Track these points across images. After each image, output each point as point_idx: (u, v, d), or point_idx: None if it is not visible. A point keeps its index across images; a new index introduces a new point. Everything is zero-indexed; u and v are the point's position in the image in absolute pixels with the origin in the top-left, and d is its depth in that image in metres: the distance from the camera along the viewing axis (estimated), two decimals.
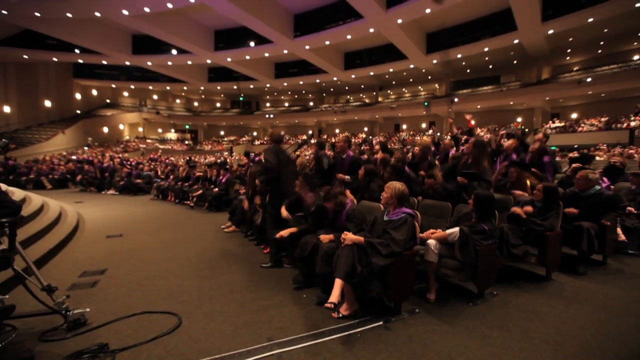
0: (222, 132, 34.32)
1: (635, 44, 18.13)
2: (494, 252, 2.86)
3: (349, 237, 2.56)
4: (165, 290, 3.03)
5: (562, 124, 19.38)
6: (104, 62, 23.46)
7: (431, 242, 2.78)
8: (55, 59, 22.58)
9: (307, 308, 2.66)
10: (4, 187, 3.58)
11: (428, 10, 15.00)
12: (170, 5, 15.81)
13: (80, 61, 23.34)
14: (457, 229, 2.76)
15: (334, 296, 2.33)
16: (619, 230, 3.91)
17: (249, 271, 3.56)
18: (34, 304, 2.26)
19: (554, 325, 2.39)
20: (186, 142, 31.57)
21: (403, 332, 2.31)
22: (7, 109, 22.08)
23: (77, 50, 20.98)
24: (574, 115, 20.37)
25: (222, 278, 3.35)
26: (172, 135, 32.30)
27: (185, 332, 2.30)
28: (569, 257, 3.54)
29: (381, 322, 2.42)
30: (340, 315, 2.48)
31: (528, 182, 3.84)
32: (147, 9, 16.09)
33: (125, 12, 16.17)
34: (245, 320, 2.46)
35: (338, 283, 2.39)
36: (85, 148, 21.96)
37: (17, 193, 5.81)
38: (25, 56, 21.18)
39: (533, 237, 3.14)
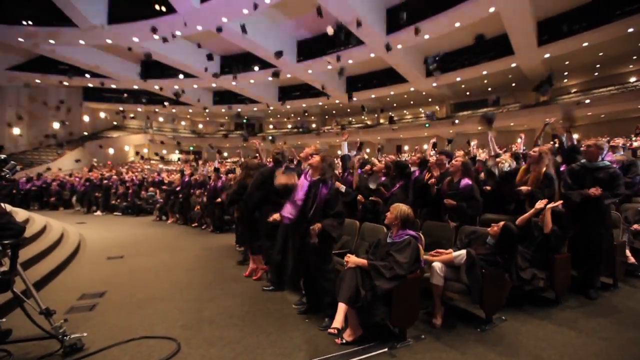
0: (225, 154, 34.76)
1: (631, 66, 18.51)
2: (502, 276, 2.80)
3: (352, 259, 2.52)
4: (165, 314, 2.96)
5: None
6: (113, 86, 24.19)
7: (437, 264, 2.73)
8: (66, 83, 23.35)
9: (309, 333, 2.58)
10: (8, 207, 3.61)
11: (427, 37, 15.52)
12: (179, 33, 16.50)
13: (90, 85, 24.10)
14: (464, 251, 2.71)
15: (338, 321, 2.27)
16: (627, 253, 3.83)
17: (250, 295, 3.48)
18: (31, 328, 2.21)
19: (566, 353, 2.29)
20: (190, 163, 31.93)
21: (409, 359, 2.23)
22: (16, 130, 22.63)
23: (87, 75, 21.72)
24: (575, 136, 20.47)
25: (223, 302, 3.28)
26: (176, 156, 32.72)
27: (184, 359, 2.23)
28: (578, 279, 3.45)
29: (386, 349, 2.33)
30: (344, 341, 2.40)
31: (542, 170, 3.46)
32: (156, 37, 16.79)
33: (135, 39, 16.88)
34: (246, 346, 2.38)
35: (341, 307, 2.33)
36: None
37: (20, 213, 5.84)
38: (37, 80, 21.94)
39: (540, 261, 3.07)
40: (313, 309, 2.93)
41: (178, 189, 8.88)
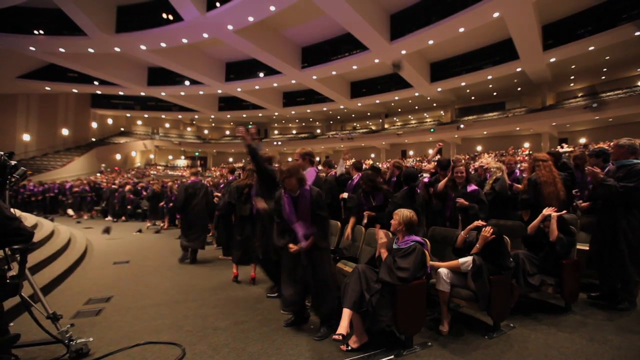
0: (230, 159, 34.97)
1: (639, 70, 18.31)
2: (509, 282, 2.75)
3: (382, 235, 2.64)
4: (170, 319, 2.96)
5: (571, 148, 19.24)
6: (121, 93, 24.59)
7: (442, 270, 2.69)
8: (75, 90, 23.79)
9: (315, 340, 2.56)
10: (17, 213, 3.66)
11: (431, 42, 15.56)
12: (185, 40, 16.77)
13: (99, 92, 24.52)
14: (470, 258, 2.68)
15: (342, 327, 2.25)
16: None
17: (255, 301, 3.48)
18: (37, 332, 2.23)
19: None
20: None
21: None
22: (26, 137, 23.08)
23: (96, 82, 22.11)
24: (583, 140, 20.26)
25: (228, 308, 3.27)
26: (181, 162, 33.02)
27: None
28: (589, 285, 3.38)
29: (392, 356, 2.30)
30: (349, 348, 2.38)
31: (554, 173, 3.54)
32: (163, 44, 17.08)
33: (142, 47, 17.18)
34: (251, 353, 2.37)
35: (346, 313, 2.31)
36: (98, 174, 22.49)
37: (29, 219, 5.92)
38: (47, 88, 22.38)
39: (549, 266, 3.02)
40: (299, 322, 2.86)
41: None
